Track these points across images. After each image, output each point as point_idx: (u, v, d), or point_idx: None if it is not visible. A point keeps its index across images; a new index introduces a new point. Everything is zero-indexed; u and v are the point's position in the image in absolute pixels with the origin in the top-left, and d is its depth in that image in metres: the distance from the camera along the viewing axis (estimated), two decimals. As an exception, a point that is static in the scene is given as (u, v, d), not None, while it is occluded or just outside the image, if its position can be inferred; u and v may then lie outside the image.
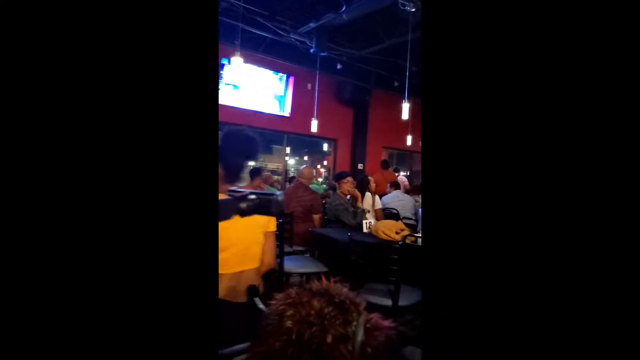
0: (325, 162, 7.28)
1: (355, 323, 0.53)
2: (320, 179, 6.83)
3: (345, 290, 0.59)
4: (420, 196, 4.65)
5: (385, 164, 5.62)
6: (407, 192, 4.30)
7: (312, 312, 0.52)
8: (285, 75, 5.67)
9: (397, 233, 2.22)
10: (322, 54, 4.84)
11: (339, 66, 5.34)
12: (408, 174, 7.78)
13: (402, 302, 1.81)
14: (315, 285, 0.58)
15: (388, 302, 1.80)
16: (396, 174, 5.63)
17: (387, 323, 0.59)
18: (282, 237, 2.29)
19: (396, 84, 5.47)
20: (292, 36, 4.68)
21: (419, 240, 2.12)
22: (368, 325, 0.55)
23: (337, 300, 0.55)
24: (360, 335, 0.51)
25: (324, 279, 0.61)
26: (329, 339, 0.49)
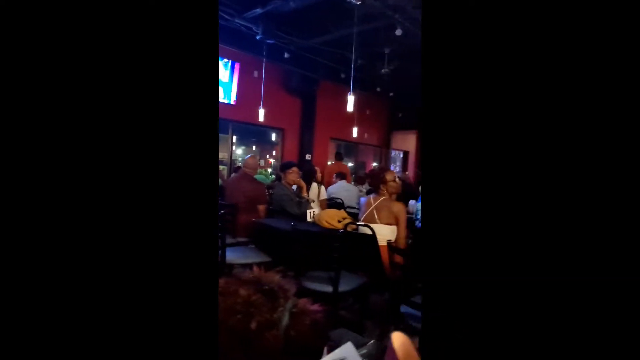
0: (274, 152, 7.22)
1: (281, 309, 0.54)
2: (269, 169, 6.77)
3: (276, 278, 0.60)
4: (364, 186, 4.83)
5: (339, 156, 5.77)
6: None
7: (239, 300, 0.52)
8: (230, 61, 5.48)
9: (339, 221, 2.29)
10: (268, 41, 4.75)
11: (286, 55, 5.28)
12: (353, 164, 7.99)
13: (342, 288, 1.88)
14: (245, 274, 0.59)
15: (329, 288, 1.86)
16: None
17: (314, 307, 0.61)
18: (224, 228, 2.24)
19: (343, 76, 5.55)
20: (237, 21, 4.52)
21: (360, 228, 2.21)
22: (294, 310, 0.57)
23: (266, 288, 0.56)
24: (285, 321, 0.53)
25: (255, 268, 0.61)
26: (253, 325, 0.50)
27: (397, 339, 0.33)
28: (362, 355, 0.71)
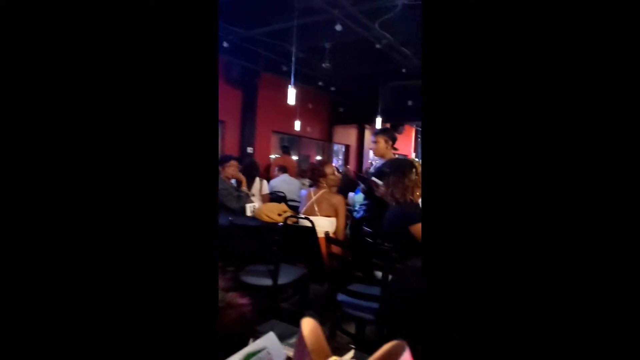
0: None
1: (208, 304, 0.54)
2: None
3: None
4: (306, 179, 4.88)
5: (285, 149, 5.71)
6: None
7: None
8: (165, 48, 5.14)
9: (279, 215, 2.29)
10: (206, 29, 4.54)
11: (225, 44, 5.09)
12: (297, 158, 8.01)
13: (282, 281, 1.89)
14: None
15: (268, 281, 1.86)
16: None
17: (243, 301, 0.62)
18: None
19: (284, 68, 5.51)
20: (171, 6, 4.24)
21: (300, 220, 2.23)
22: (221, 305, 0.57)
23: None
24: (210, 315, 0.53)
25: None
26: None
27: (307, 325, 0.35)
28: (292, 344, 0.73)
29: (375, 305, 1.55)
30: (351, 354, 0.70)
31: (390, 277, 1.51)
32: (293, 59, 4.37)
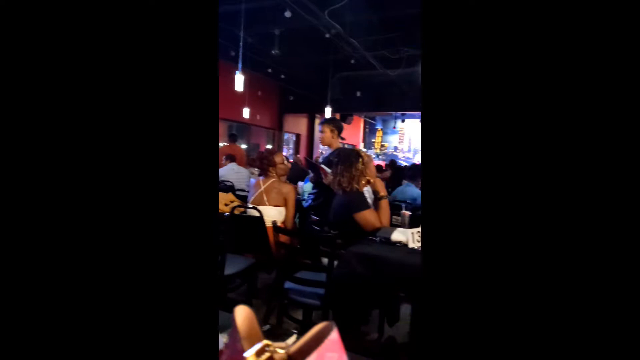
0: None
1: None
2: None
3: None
4: (256, 168, 4.80)
5: (233, 137, 5.54)
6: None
7: None
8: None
9: (226, 205, 2.24)
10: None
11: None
12: (246, 147, 7.85)
13: (229, 271, 1.87)
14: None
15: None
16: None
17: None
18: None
19: (232, 53, 5.32)
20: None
21: (248, 210, 2.21)
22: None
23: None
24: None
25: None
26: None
27: (240, 312, 0.36)
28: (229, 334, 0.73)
29: (321, 291, 1.60)
30: (293, 338, 0.72)
31: (335, 263, 1.56)
32: (241, 43, 4.24)
